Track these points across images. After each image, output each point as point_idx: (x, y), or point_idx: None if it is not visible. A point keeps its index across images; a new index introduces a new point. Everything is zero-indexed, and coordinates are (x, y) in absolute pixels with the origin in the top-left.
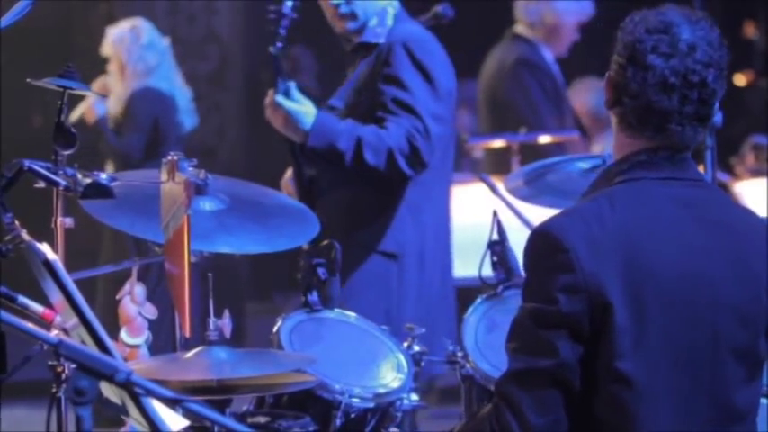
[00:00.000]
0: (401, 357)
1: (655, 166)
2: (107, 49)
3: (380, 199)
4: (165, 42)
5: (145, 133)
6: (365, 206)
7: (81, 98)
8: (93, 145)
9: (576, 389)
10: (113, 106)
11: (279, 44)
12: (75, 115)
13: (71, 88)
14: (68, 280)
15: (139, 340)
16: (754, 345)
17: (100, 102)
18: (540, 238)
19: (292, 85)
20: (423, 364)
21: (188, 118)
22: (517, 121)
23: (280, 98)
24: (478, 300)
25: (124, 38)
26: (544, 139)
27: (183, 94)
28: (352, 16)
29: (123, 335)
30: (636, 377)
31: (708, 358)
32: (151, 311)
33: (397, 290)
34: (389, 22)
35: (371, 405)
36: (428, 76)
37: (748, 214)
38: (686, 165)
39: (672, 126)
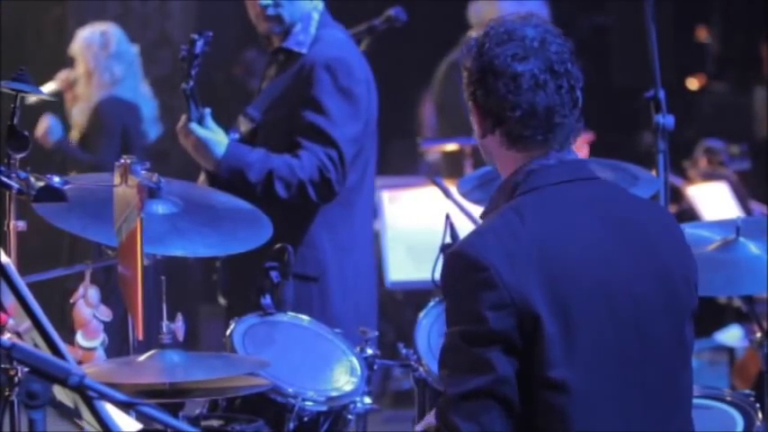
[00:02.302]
0: (354, 361)
1: (549, 172)
2: (75, 49)
3: (294, 219)
4: (134, 50)
5: (116, 142)
6: (278, 227)
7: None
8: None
9: (515, 404)
10: (79, 113)
11: (190, 82)
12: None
13: (24, 91)
14: (21, 283)
15: (95, 343)
16: (680, 333)
17: (55, 122)
18: (457, 260)
19: (207, 112)
20: (375, 367)
21: (152, 128)
22: (450, 125)
23: (193, 125)
24: (431, 303)
25: (93, 43)
26: None
27: (148, 103)
28: (279, 19)
29: (79, 338)
30: (571, 384)
31: (637, 355)
32: (105, 313)
33: (320, 314)
34: (313, 29)
35: (324, 408)
36: (349, 98)
37: (651, 206)
38: (578, 165)
39: (558, 119)
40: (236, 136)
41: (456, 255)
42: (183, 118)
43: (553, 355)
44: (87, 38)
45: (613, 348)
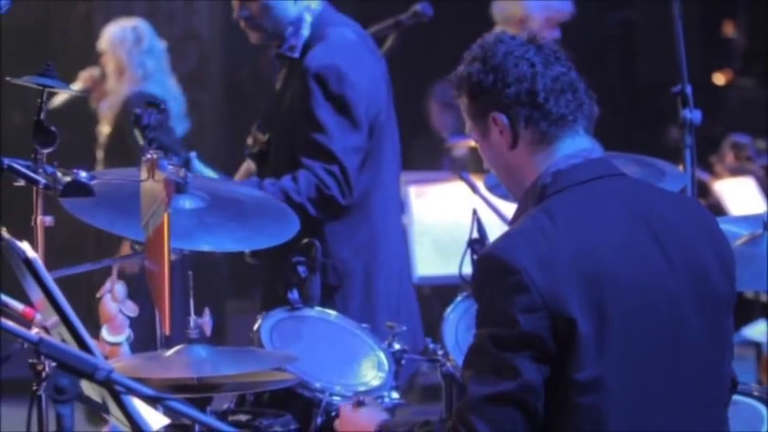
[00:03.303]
0: (382, 356)
1: (576, 171)
2: (105, 45)
3: (311, 228)
4: (162, 45)
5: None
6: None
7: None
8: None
9: (539, 412)
10: (108, 107)
11: (153, 145)
12: (56, 102)
13: (51, 86)
14: (49, 278)
15: (120, 338)
16: (717, 327)
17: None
18: (489, 263)
19: (192, 156)
20: (403, 362)
21: (180, 124)
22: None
23: None
24: (459, 298)
25: (126, 39)
26: None
27: (175, 99)
28: (261, 29)
29: (104, 333)
30: (605, 382)
31: (672, 351)
32: (132, 309)
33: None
34: (305, 31)
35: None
36: (344, 107)
37: (681, 199)
38: (603, 162)
39: (581, 96)
40: (251, 151)
41: (487, 258)
42: None
43: (587, 355)
44: (119, 34)
45: (648, 346)
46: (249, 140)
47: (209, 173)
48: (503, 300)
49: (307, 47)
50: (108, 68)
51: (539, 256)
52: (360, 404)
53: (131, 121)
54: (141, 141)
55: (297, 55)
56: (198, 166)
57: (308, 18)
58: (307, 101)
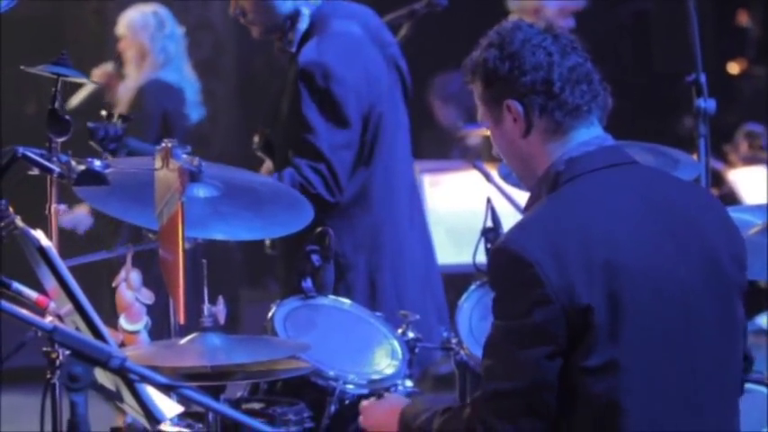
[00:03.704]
0: (395, 344)
1: (590, 158)
2: (125, 30)
3: (313, 225)
4: (181, 31)
5: (154, 127)
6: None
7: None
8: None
9: (552, 407)
10: (125, 92)
11: (123, 152)
12: (74, 101)
13: (65, 75)
14: (62, 266)
15: (139, 326)
16: (729, 314)
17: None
18: (502, 255)
19: None
20: (417, 350)
21: (195, 111)
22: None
23: None
24: (473, 286)
25: (148, 23)
26: None
27: (191, 85)
28: (257, 24)
29: (122, 321)
30: (618, 369)
31: (684, 338)
32: (148, 297)
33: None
34: (303, 25)
35: (366, 391)
36: (330, 104)
37: (692, 187)
38: (616, 150)
39: (596, 86)
40: (257, 147)
41: (500, 251)
42: None
43: (600, 343)
44: (140, 19)
45: (660, 334)
46: (255, 138)
47: None
48: (516, 293)
49: (305, 41)
50: (127, 54)
51: (552, 248)
52: (379, 396)
53: (90, 131)
54: (104, 153)
55: (293, 49)
56: None
57: (305, 11)
58: (295, 101)
